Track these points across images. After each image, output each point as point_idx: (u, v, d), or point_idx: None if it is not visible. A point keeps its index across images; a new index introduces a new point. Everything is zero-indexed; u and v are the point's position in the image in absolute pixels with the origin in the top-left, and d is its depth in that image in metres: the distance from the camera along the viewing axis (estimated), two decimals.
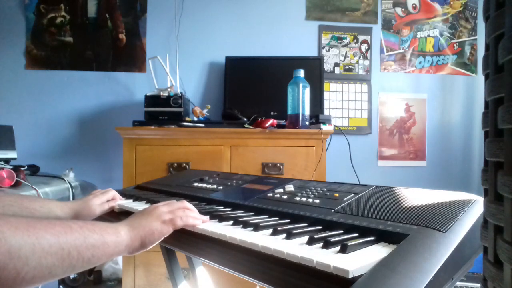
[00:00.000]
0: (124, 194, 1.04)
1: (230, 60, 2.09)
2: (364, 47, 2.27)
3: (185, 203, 0.72)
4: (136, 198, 0.97)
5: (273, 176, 1.27)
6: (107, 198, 0.91)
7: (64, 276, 0.50)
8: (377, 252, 0.48)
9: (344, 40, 2.26)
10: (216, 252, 0.58)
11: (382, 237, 0.53)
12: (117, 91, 2.14)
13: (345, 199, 0.70)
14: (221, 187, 0.97)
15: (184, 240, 0.65)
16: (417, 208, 0.59)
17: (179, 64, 2.11)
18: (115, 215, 0.90)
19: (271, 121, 1.60)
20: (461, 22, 2.33)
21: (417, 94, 2.31)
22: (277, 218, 0.69)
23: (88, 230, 0.52)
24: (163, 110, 1.75)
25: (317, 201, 0.72)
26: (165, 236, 0.65)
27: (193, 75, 2.18)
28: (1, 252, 0.40)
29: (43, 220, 0.49)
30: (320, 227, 0.62)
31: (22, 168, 1.25)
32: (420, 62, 2.31)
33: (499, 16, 0.31)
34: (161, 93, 1.76)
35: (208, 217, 0.70)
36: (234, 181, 1.02)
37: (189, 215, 0.68)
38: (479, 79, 2.33)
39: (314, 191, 0.79)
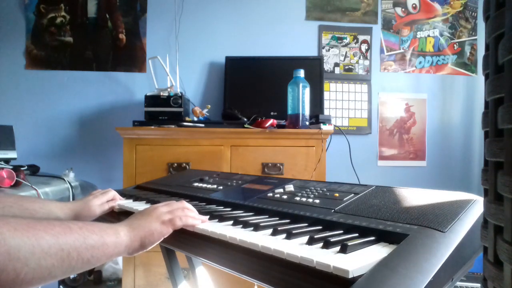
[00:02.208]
0: (124, 194, 1.04)
1: (230, 60, 2.09)
2: (364, 47, 2.27)
3: (184, 203, 0.72)
4: (136, 198, 0.97)
5: (273, 176, 1.27)
6: (107, 198, 0.91)
7: (64, 277, 0.50)
8: (377, 252, 0.48)
9: (344, 40, 2.26)
10: (216, 252, 0.58)
11: (382, 237, 0.53)
12: (117, 91, 2.14)
13: (345, 199, 0.70)
14: (221, 187, 0.97)
15: (184, 240, 0.65)
16: (417, 208, 0.59)
17: (179, 64, 2.11)
18: (115, 216, 0.90)
19: (271, 121, 1.60)
20: (461, 22, 2.33)
21: (417, 94, 2.31)
22: (277, 218, 0.69)
23: (87, 231, 0.52)
24: (163, 110, 1.75)
25: (317, 201, 0.72)
26: (165, 237, 0.65)
27: (193, 75, 2.18)
28: (1, 253, 0.40)
29: (42, 221, 0.49)
30: (320, 227, 0.62)
31: (22, 168, 1.25)
32: (420, 62, 2.31)
33: (499, 16, 0.31)
34: (161, 93, 1.76)
35: (207, 217, 0.70)
36: (234, 181, 1.02)
37: (188, 215, 0.68)
38: (479, 79, 2.33)
39: (314, 191, 0.79)
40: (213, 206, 0.84)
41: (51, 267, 0.46)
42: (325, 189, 0.79)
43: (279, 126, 1.63)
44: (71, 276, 1.82)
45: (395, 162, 2.28)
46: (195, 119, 1.85)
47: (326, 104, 2.20)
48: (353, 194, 0.72)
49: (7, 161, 1.37)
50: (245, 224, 0.63)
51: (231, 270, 0.53)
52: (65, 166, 1.71)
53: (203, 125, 1.64)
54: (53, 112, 2.10)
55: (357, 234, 0.55)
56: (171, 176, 1.38)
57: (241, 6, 2.21)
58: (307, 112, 1.61)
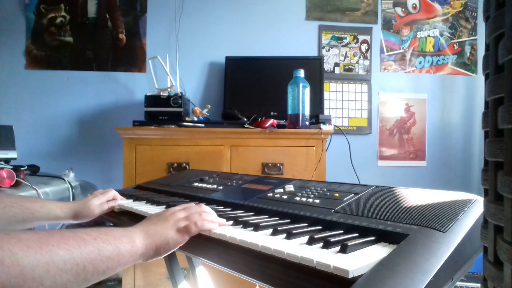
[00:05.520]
0: (124, 194, 1.04)
1: (230, 60, 2.09)
2: (364, 47, 2.27)
3: (203, 207, 0.68)
4: (136, 198, 0.97)
5: (273, 176, 1.27)
6: (107, 198, 0.91)
7: None
8: (377, 252, 0.48)
9: (344, 40, 2.26)
10: (216, 252, 0.58)
11: (382, 237, 0.53)
12: (117, 91, 2.14)
13: (345, 199, 0.70)
14: (221, 187, 0.97)
15: None
16: (417, 208, 0.59)
17: (179, 64, 2.11)
18: (115, 215, 0.90)
19: (271, 121, 1.60)
20: (461, 22, 2.33)
21: (417, 94, 2.31)
22: (277, 218, 0.69)
23: (102, 241, 0.51)
24: (163, 110, 1.75)
25: (317, 201, 0.72)
26: (181, 245, 0.62)
27: (193, 75, 2.18)
28: (14, 276, 0.39)
29: (55, 233, 0.47)
30: (320, 227, 0.62)
31: (22, 168, 1.25)
32: (420, 62, 2.31)
33: (499, 16, 0.31)
34: (161, 93, 1.76)
35: (225, 220, 0.67)
36: (234, 181, 1.02)
37: (205, 218, 0.64)
38: (479, 79, 2.33)
39: (314, 191, 0.79)
40: (213, 206, 0.84)
41: (67, 283, 0.44)
42: (325, 189, 0.79)
43: (279, 126, 1.63)
44: None
45: (395, 162, 2.28)
46: (195, 119, 1.85)
47: (326, 104, 2.20)
48: (353, 194, 0.72)
49: (7, 161, 1.37)
50: (245, 224, 0.63)
51: (231, 270, 0.53)
52: (65, 166, 1.71)
53: (203, 125, 1.64)
54: (53, 112, 2.10)
55: (357, 234, 0.55)
56: (171, 176, 1.38)
57: (241, 6, 2.21)
58: (307, 112, 1.61)
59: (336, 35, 2.26)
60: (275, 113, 1.92)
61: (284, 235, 0.56)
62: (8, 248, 0.40)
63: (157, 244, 0.59)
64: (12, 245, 0.40)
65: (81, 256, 0.47)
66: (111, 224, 0.95)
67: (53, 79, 2.11)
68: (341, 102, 2.25)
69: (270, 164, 1.58)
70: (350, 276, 0.40)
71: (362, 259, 0.44)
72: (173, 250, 0.62)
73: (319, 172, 1.56)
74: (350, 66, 2.27)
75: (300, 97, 1.58)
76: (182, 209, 0.67)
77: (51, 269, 0.43)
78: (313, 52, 2.24)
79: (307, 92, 1.60)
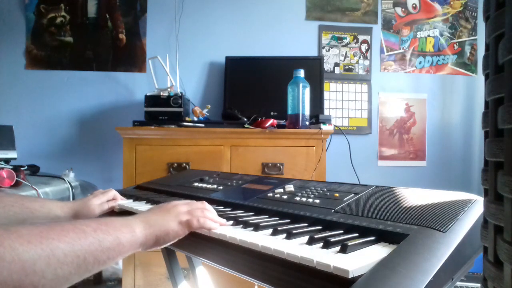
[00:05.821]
0: (124, 194, 1.04)
1: (230, 60, 2.09)
2: (364, 47, 2.27)
3: (205, 204, 0.69)
4: (136, 198, 0.97)
5: (273, 176, 1.27)
6: (107, 198, 0.91)
7: (81, 279, 0.49)
8: (377, 252, 0.48)
9: (344, 40, 2.26)
10: (216, 252, 0.58)
11: (382, 237, 0.53)
12: (117, 91, 2.14)
13: (345, 199, 0.70)
14: (221, 187, 0.97)
15: (184, 240, 0.65)
16: (417, 208, 0.59)
17: (179, 64, 2.11)
18: (115, 215, 0.90)
19: (271, 121, 1.60)
20: (461, 22, 2.33)
21: (417, 94, 2.31)
22: (277, 218, 0.69)
23: (102, 232, 0.51)
24: (163, 110, 1.75)
25: (317, 201, 0.72)
26: (180, 238, 0.63)
27: (193, 75, 2.18)
28: (16, 271, 0.39)
29: (55, 227, 0.47)
30: (320, 227, 0.62)
31: (22, 168, 1.25)
32: (420, 62, 2.31)
33: (499, 16, 0.31)
34: (161, 93, 1.76)
35: (225, 220, 0.67)
36: (234, 181, 1.02)
37: (207, 216, 0.65)
38: (479, 79, 2.33)
39: (314, 191, 0.79)
40: (213, 206, 0.83)
41: (68, 275, 0.45)
42: (325, 189, 0.79)
43: (279, 126, 1.63)
44: None
45: (395, 162, 2.28)
46: (195, 119, 1.85)
47: (326, 104, 2.20)
48: (353, 194, 0.72)
49: (7, 161, 1.37)
50: (245, 224, 0.63)
51: (231, 270, 0.53)
52: (65, 166, 1.71)
53: (203, 125, 1.64)
54: (53, 112, 2.10)
55: (357, 234, 0.55)
56: (171, 176, 1.38)
57: (241, 6, 2.21)
58: (307, 112, 1.61)
59: (336, 35, 2.26)
60: (275, 113, 1.92)
61: (284, 235, 0.56)
62: (9, 244, 0.40)
63: (157, 235, 0.60)
64: (12, 241, 0.41)
65: (81, 248, 0.47)
66: None
67: (53, 79, 2.11)
68: (341, 102, 2.25)
69: (270, 164, 1.58)
70: (350, 276, 0.40)
71: (362, 259, 0.44)
72: (172, 242, 0.63)
73: (319, 172, 1.56)
74: (350, 66, 2.27)
75: (300, 97, 1.58)
76: (184, 203, 0.68)
77: (52, 263, 0.43)
78: (313, 52, 2.24)
79: (307, 92, 1.60)
